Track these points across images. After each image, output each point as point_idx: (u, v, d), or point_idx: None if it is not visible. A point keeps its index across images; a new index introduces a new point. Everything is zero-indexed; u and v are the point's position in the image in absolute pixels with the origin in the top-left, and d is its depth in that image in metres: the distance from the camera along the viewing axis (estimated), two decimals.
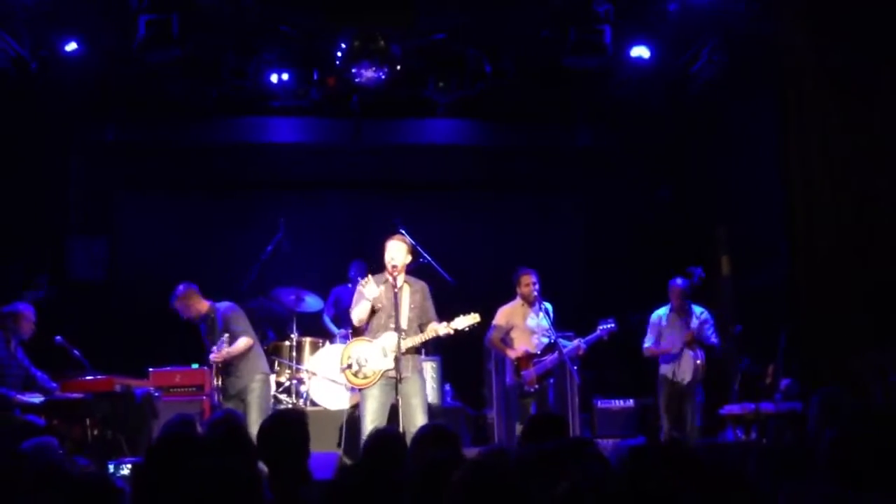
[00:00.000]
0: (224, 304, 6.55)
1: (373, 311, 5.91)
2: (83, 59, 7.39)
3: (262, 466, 3.56)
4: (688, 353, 6.91)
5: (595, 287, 8.94)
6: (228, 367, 6.32)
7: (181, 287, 6.51)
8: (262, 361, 6.58)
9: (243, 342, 6.32)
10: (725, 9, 7.03)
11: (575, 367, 6.72)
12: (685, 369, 6.91)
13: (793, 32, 6.42)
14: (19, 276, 7.60)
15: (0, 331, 6.37)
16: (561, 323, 6.99)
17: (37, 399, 6.24)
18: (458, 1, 7.34)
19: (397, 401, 5.66)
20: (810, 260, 6.40)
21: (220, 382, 6.29)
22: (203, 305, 6.50)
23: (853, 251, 6.17)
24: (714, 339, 6.99)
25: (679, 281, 7.07)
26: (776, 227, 7.00)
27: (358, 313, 5.94)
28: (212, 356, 6.25)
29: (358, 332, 6.05)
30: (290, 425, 3.45)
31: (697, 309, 7.08)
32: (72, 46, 7.28)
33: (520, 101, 8.73)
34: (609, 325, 6.86)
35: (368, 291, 5.84)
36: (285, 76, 7.71)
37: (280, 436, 3.38)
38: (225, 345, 6.20)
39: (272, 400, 6.91)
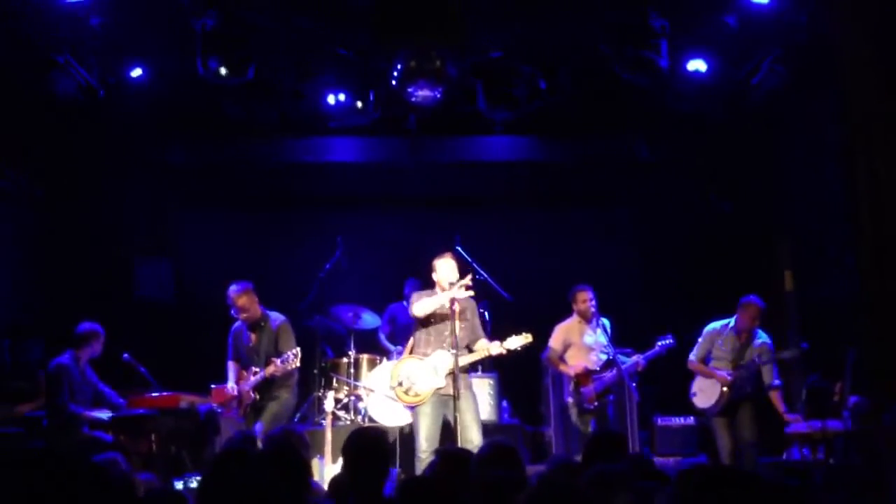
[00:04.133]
0: (278, 315, 6.55)
1: (424, 323, 5.89)
2: (148, 83, 7.62)
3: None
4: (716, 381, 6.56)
5: (652, 302, 8.81)
6: (272, 382, 6.31)
7: (242, 284, 6.43)
8: (295, 373, 6.57)
9: (296, 360, 6.28)
10: (787, 20, 6.89)
11: (634, 384, 6.62)
12: (708, 395, 6.59)
13: (858, 42, 6.24)
14: (88, 295, 7.84)
15: (72, 349, 6.58)
16: (619, 338, 6.91)
17: (105, 415, 6.42)
18: (513, 17, 7.36)
19: (454, 418, 5.66)
20: (878, 274, 6.19)
21: (256, 395, 6.28)
22: (258, 309, 6.50)
23: None
24: (776, 382, 6.56)
25: (756, 299, 6.53)
26: (840, 240, 6.81)
27: (424, 306, 5.84)
28: (270, 369, 6.19)
29: (413, 349, 6.05)
30: (376, 441, 3.50)
31: (762, 335, 6.65)
32: (137, 72, 7.51)
33: (575, 116, 8.69)
34: (667, 342, 6.74)
35: (458, 292, 5.74)
36: (342, 97, 7.82)
37: (364, 448, 3.42)
38: (291, 361, 6.15)
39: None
